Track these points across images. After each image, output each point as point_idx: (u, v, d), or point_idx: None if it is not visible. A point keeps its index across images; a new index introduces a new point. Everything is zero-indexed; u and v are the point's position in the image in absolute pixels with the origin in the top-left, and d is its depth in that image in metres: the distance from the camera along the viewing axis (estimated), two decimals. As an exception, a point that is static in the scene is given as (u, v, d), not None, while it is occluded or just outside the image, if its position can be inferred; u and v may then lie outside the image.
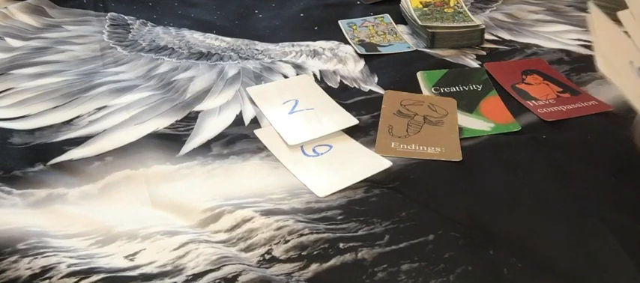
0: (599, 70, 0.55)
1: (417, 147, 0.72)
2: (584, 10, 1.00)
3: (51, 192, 0.64)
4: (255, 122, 0.78)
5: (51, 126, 0.75)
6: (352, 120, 0.76)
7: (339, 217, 0.60)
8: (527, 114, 0.79)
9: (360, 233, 0.58)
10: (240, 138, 0.74)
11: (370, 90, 0.85)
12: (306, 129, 0.75)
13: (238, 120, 0.78)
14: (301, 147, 0.72)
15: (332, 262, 0.55)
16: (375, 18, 1.09)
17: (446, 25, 0.99)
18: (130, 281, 0.53)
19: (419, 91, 0.85)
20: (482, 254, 0.56)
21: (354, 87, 0.87)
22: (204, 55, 0.95)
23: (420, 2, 1.06)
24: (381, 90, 0.85)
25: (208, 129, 0.76)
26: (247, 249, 0.57)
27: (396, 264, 0.54)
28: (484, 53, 0.97)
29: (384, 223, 0.59)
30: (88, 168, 0.68)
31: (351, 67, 0.92)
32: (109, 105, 0.80)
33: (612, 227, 0.58)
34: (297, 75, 0.90)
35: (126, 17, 1.07)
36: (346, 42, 1.00)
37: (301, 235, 0.58)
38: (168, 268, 0.54)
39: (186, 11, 1.13)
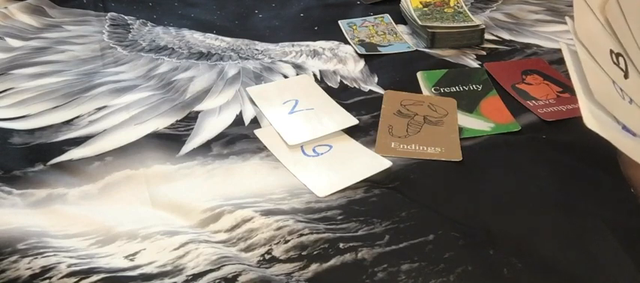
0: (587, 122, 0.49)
1: (417, 147, 0.71)
2: None
3: (51, 192, 0.64)
4: (255, 122, 0.78)
5: (51, 126, 0.75)
6: (352, 120, 0.76)
7: (339, 217, 0.60)
8: (527, 114, 0.79)
9: (360, 233, 0.58)
10: (240, 138, 0.74)
11: (370, 90, 0.85)
12: (306, 129, 0.75)
13: (238, 120, 0.78)
14: (301, 147, 0.72)
15: (332, 262, 0.55)
16: (375, 18, 1.09)
17: (446, 25, 0.99)
18: (130, 281, 0.53)
19: (419, 91, 0.85)
20: (482, 254, 0.56)
21: (354, 87, 0.87)
22: (204, 55, 0.95)
23: (420, 2, 1.05)
24: (381, 90, 0.85)
25: (208, 129, 0.76)
26: (247, 249, 0.57)
27: (396, 264, 0.54)
28: (484, 53, 0.96)
29: (384, 223, 0.59)
30: (88, 168, 0.68)
31: (351, 67, 0.92)
32: (109, 105, 0.80)
33: (612, 227, 0.58)
34: (297, 75, 0.90)
35: (126, 17, 1.07)
36: (346, 42, 1.00)
37: (301, 235, 0.58)
38: (168, 268, 0.54)
39: (186, 11, 1.13)
